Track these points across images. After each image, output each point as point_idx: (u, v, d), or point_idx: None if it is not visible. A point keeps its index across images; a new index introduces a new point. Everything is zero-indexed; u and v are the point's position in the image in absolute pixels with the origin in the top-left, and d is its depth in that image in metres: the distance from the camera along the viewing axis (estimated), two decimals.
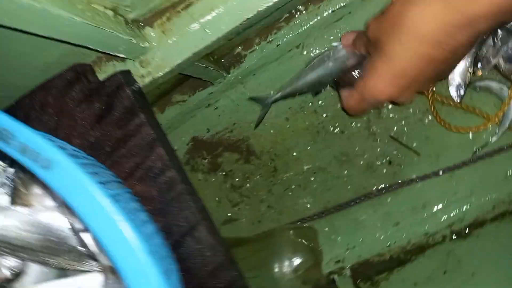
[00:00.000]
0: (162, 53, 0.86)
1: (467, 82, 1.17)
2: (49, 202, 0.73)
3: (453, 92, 1.18)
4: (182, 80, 1.30)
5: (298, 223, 1.40)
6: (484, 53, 1.13)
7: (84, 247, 0.69)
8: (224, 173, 1.45)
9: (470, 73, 1.16)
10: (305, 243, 1.38)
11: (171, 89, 1.33)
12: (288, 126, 1.36)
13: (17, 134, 0.50)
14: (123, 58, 0.88)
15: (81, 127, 0.85)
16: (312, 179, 1.39)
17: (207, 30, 0.83)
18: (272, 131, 1.38)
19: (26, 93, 0.84)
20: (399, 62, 0.62)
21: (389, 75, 0.65)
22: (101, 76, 0.89)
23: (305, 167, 1.39)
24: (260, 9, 0.80)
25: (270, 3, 0.80)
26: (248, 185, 1.45)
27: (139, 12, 0.81)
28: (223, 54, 1.26)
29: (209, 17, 0.82)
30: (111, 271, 0.62)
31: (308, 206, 1.41)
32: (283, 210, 1.43)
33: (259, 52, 1.24)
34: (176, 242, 0.83)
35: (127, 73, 0.84)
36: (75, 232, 0.63)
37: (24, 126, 0.50)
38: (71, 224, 0.64)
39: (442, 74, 0.68)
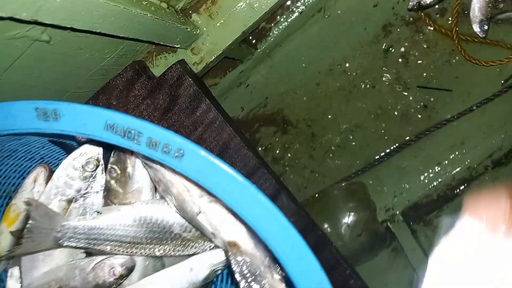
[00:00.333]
0: (212, 37, 0.88)
1: (489, 16, 1.20)
2: (146, 196, 0.77)
3: (477, 28, 1.21)
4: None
5: (344, 182, 1.45)
6: None
7: (196, 230, 0.73)
8: (264, 147, 1.48)
9: (491, 6, 1.19)
10: (357, 197, 1.43)
11: (201, 75, 1.34)
12: (320, 91, 1.39)
13: (143, 131, 0.53)
14: (174, 49, 0.90)
15: None
16: (351, 137, 1.43)
17: (254, 6, 0.85)
18: (305, 98, 1.41)
19: (90, 97, 0.86)
20: None
21: None
22: (156, 70, 0.91)
23: (342, 127, 1.43)
24: None
25: None
26: (289, 154, 1.48)
27: (186, 0, 0.83)
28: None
29: None
30: (234, 245, 0.66)
31: (350, 164, 1.45)
32: (327, 172, 1.48)
33: (283, 22, 1.26)
34: None
35: (183, 63, 0.86)
36: (192, 215, 0.67)
37: (147, 122, 0.53)
38: (184, 211, 0.68)
39: None
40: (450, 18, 1.26)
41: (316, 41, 1.33)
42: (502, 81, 1.31)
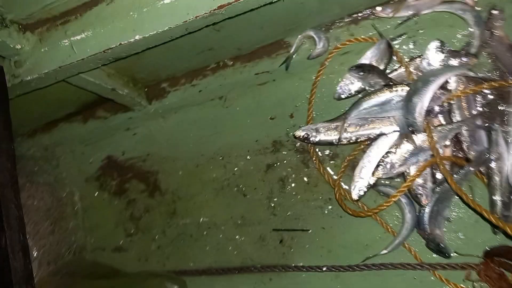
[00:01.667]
0: (35, 59, 0.89)
1: (369, 184, 1.10)
2: None
3: (353, 188, 1.12)
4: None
5: (177, 274, 1.33)
6: (389, 160, 1.08)
7: None
8: (128, 199, 1.43)
9: (373, 175, 1.10)
10: None
11: (98, 102, 1.36)
12: (196, 172, 1.34)
13: None
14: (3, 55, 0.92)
15: None
16: (205, 233, 1.33)
17: (75, 49, 0.85)
18: (180, 172, 1.36)
19: None
20: None
21: None
22: None
23: (202, 219, 1.34)
24: (122, 42, 0.81)
25: (132, 39, 0.81)
26: (146, 219, 1.41)
27: (17, 14, 0.85)
28: (149, 85, 1.28)
29: (78, 37, 0.84)
30: None
31: (195, 260, 1.33)
32: (171, 256, 1.37)
33: (182, 92, 1.26)
34: None
35: None
36: None
37: None
38: None
39: None
40: (340, 165, 1.18)
41: (209, 125, 1.30)
42: (365, 257, 1.16)
